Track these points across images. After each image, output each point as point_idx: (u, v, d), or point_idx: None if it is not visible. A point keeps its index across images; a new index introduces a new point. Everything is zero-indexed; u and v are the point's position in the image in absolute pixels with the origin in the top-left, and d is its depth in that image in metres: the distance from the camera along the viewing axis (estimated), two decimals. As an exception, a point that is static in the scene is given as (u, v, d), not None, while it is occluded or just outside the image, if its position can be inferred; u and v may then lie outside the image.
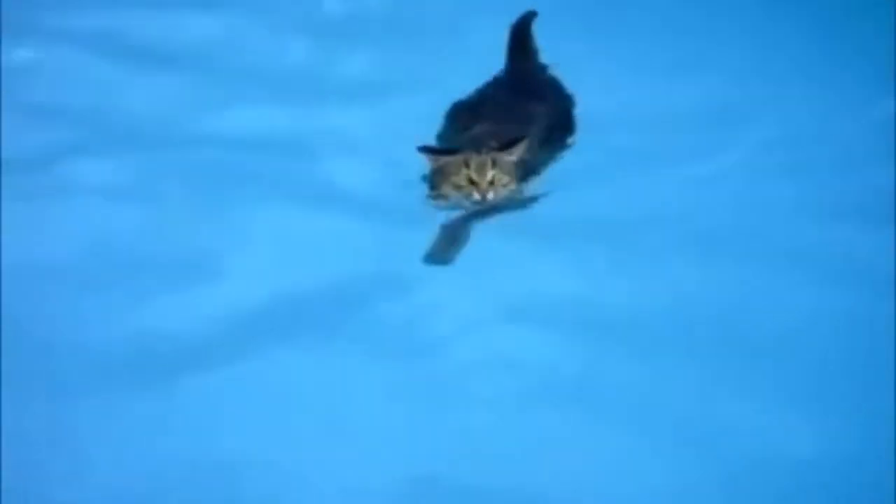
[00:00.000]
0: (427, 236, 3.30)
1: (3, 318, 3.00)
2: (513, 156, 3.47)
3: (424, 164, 3.49)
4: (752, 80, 4.02)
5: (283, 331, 2.99)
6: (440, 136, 3.72)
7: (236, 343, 2.93)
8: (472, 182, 3.41)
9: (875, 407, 2.67)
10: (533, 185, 3.56)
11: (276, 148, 3.78)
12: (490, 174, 3.41)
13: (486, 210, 3.43)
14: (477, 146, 3.47)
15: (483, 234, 3.34)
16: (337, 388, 2.81)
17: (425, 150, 3.49)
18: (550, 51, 4.04)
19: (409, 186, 3.50)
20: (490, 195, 3.41)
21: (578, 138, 3.75)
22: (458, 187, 3.43)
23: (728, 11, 4.40)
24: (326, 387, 2.81)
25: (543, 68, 4.02)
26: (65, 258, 3.25)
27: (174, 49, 4.34)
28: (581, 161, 3.65)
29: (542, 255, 3.27)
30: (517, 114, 3.73)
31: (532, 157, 3.59)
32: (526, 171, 3.55)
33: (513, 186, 3.46)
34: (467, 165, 3.42)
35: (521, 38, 4.07)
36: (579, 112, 3.83)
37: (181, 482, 2.57)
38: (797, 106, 3.86)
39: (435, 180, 3.47)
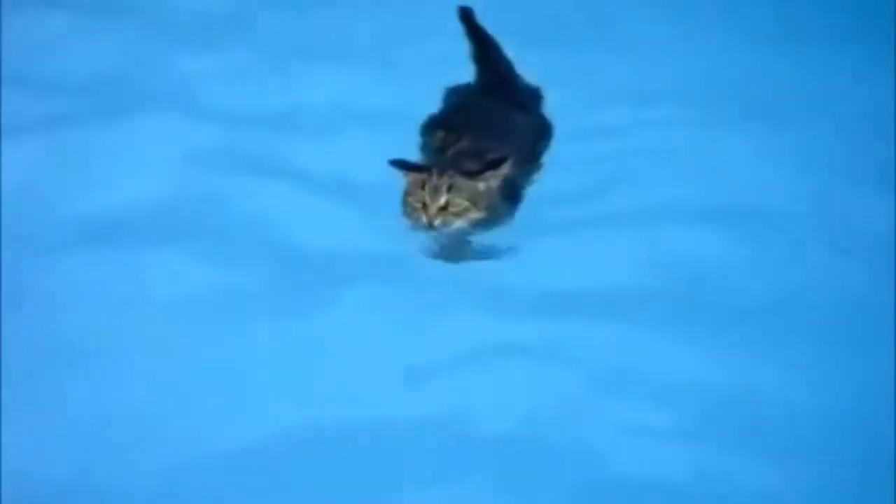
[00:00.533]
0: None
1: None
2: (481, 182, 3.12)
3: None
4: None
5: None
6: (422, 152, 3.39)
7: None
8: (424, 205, 3.10)
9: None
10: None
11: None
12: (443, 199, 3.07)
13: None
14: (444, 167, 3.13)
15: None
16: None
17: (396, 164, 3.16)
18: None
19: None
20: (437, 222, 3.08)
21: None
22: (413, 209, 3.11)
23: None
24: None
25: (510, 66, 3.67)
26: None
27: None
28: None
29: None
30: (499, 126, 3.39)
31: (519, 174, 3.27)
32: (514, 190, 3.24)
33: (476, 215, 3.11)
34: (423, 186, 3.10)
35: (477, 36, 3.74)
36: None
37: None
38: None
39: (403, 197, 3.17)
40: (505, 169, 3.14)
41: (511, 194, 3.24)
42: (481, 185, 3.12)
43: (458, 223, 3.10)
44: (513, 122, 3.43)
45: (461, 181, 3.10)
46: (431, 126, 3.43)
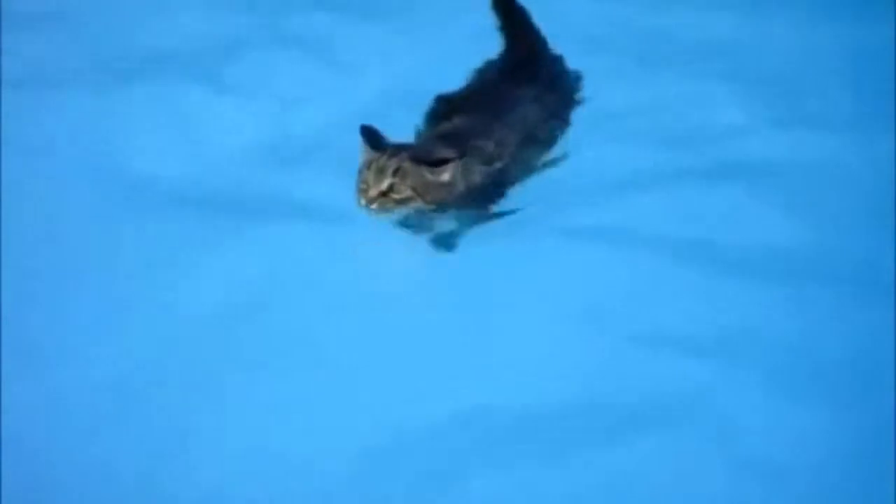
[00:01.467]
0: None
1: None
2: (435, 175, 2.83)
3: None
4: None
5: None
6: (417, 132, 3.12)
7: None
8: (367, 186, 2.83)
9: None
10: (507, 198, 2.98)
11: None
12: (386, 183, 2.79)
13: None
14: (398, 149, 2.85)
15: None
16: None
17: (363, 131, 2.89)
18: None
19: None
20: (373, 207, 2.80)
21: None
22: (358, 188, 2.84)
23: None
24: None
25: (536, 37, 3.35)
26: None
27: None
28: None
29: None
30: (500, 102, 3.08)
31: (509, 162, 2.98)
32: (494, 182, 2.96)
33: (421, 206, 2.83)
34: (369, 166, 2.85)
35: (503, 7, 3.45)
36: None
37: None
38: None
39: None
40: (446, 175, 2.84)
41: (487, 187, 2.94)
42: (432, 176, 2.83)
43: (400, 211, 2.83)
44: (517, 102, 3.09)
45: (410, 167, 2.80)
46: (434, 101, 3.15)
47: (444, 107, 3.13)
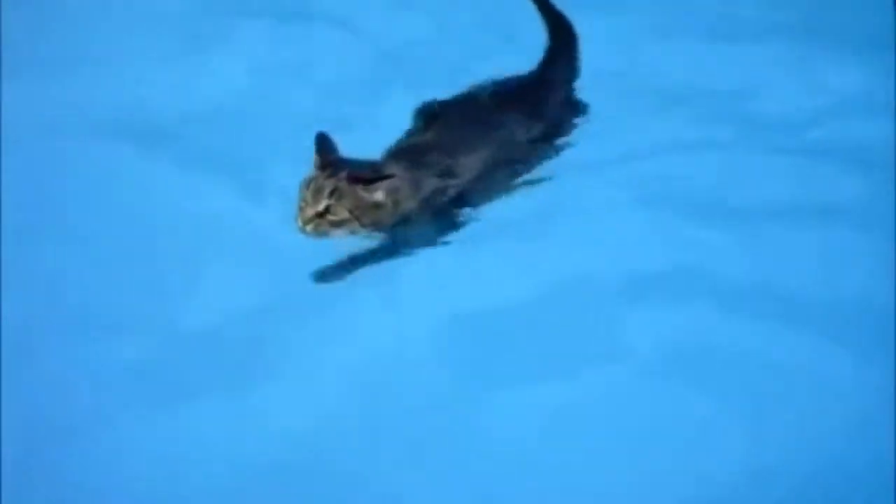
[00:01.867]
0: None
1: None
2: (369, 194, 2.73)
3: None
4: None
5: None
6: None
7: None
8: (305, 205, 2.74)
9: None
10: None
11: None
12: (323, 204, 2.70)
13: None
14: (339, 167, 2.74)
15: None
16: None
17: (318, 140, 2.79)
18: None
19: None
20: (308, 228, 2.71)
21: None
22: (298, 206, 2.75)
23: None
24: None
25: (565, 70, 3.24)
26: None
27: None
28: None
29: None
30: (481, 121, 2.97)
31: (472, 179, 2.88)
32: (461, 196, 2.86)
33: (358, 229, 2.73)
34: (308, 185, 2.75)
35: (546, 13, 3.36)
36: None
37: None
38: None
39: None
40: (379, 194, 2.73)
41: (444, 201, 2.84)
42: (368, 196, 2.73)
43: (337, 233, 2.73)
44: (499, 124, 2.98)
45: (346, 188, 2.71)
46: (423, 106, 3.07)
47: (428, 115, 3.04)
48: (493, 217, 2.89)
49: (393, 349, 2.62)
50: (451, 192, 2.86)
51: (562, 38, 3.31)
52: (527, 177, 2.96)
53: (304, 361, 2.60)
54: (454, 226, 2.87)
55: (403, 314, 2.70)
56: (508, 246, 2.83)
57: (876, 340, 2.61)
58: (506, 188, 2.93)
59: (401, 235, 2.81)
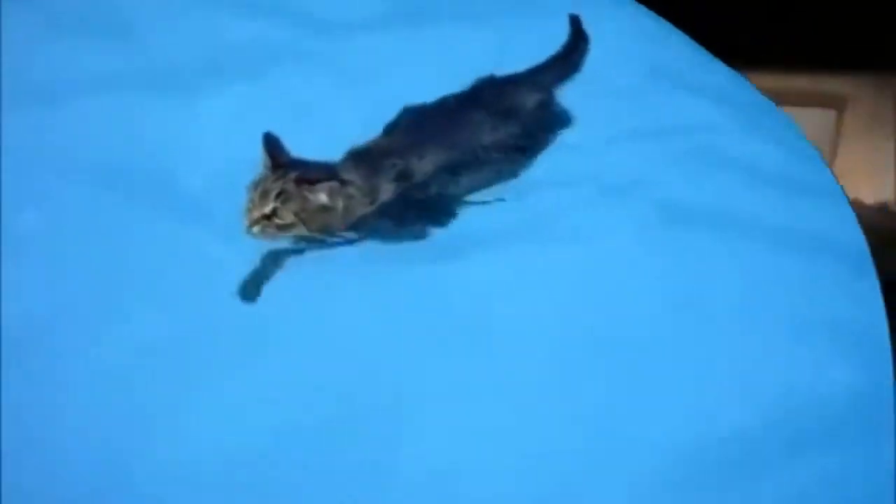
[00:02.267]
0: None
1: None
2: (313, 195, 2.63)
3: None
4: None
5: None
6: None
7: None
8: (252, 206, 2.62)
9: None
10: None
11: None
12: (269, 207, 2.59)
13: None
14: (288, 168, 2.64)
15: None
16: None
17: (265, 139, 2.68)
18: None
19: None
20: (255, 230, 2.59)
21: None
22: (245, 207, 2.63)
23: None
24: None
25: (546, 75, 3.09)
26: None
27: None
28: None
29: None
30: (447, 123, 2.86)
31: (435, 182, 2.77)
32: (423, 199, 2.76)
33: (305, 234, 2.63)
34: (256, 186, 2.63)
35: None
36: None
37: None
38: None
39: None
40: (322, 195, 2.63)
41: (403, 205, 2.74)
42: (314, 198, 2.62)
43: (284, 237, 2.63)
44: (465, 126, 2.86)
45: (293, 190, 2.60)
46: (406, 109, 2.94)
47: (398, 120, 2.92)
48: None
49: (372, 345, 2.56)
50: (413, 197, 2.75)
51: (574, 49, 3.20)
52: (502, 184, 2.85)
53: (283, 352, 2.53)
54: (419, 235, 2.76)
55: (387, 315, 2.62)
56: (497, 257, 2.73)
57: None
58: (472, 190, 2.82)
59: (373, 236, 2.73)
